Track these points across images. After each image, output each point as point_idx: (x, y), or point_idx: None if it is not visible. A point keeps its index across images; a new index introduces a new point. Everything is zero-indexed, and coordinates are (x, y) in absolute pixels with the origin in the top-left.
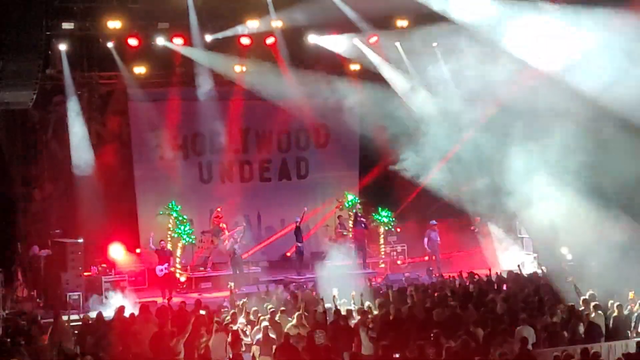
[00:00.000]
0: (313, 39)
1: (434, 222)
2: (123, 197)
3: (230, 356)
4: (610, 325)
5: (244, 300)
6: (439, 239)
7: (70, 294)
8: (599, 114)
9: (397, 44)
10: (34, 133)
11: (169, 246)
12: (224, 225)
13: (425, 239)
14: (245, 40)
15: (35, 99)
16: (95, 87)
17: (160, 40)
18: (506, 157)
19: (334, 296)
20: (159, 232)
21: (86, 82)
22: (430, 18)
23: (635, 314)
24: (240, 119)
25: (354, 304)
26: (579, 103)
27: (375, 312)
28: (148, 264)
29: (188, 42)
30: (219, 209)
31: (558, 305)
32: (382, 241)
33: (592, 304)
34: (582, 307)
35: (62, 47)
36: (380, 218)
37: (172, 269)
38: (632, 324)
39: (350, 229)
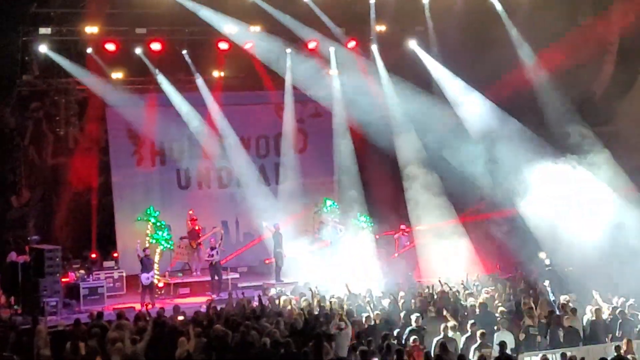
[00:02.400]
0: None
1: (403, 225)
2: (101, 203)
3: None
4: (588, 330)
5: (222, 306)
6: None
7: (48, 300)
8: None
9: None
10: (11, 139)
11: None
12: (199, 227)
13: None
14: (223, 45)
15: (12, 105)
16: (72, 92)
17: (137, 50)
18: None
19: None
20: (137, 238)
21: (63, 87)
22: None
23: (619, 320)
24: (218, 125)
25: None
26: None
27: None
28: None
29: (165, 47)
30: (191, 212)
31: (536, 311)
32: (361, 247)
33: (570, 308)
34: (561, 312)
35: (40, 52)
36: (359, 223)
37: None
38: (617, 330)
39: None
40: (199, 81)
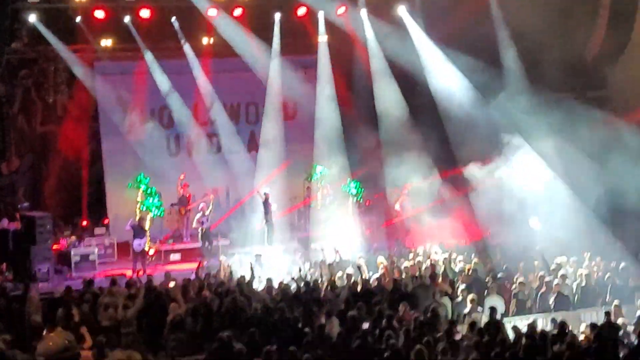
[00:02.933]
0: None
1: (407, 185)
2: (91, 170)
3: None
4: (579, 295)
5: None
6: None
7: (39, 266)
8: None
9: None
10: (0, 107)
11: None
12: (189, 194)
13: (398, 205)
14: (212, 12)
15: (1, 74)
16: (61, 60)
17: (126, 18)
18: None
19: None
20: (128, 205)
21: (53, 55)
22: None
23: (609, 285)
24: (208, 92)
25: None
26: None
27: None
28: (119, 237)
29: (155, 14)
30: (182, 177)
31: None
32: (350, 213)
33: (560, 273)
34: (551, 277)
35: (31, 18)
36: (349, 190)
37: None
38: (607, 295)
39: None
40: (187, 48)
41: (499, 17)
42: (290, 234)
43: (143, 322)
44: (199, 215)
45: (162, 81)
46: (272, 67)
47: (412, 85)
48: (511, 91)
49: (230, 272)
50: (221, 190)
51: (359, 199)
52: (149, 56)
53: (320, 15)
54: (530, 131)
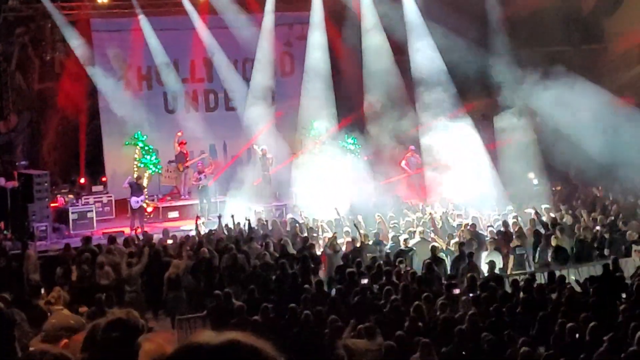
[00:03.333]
0: None
1: (412, 147)
2: (88, 128)
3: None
4: (577, 249)
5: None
6: (414, 166)
7: (38, 225)
8: None
9: None
10: None
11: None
12: (187, 151)
13: (404, 162)
14: None
15: None
16: (58, 17)
17: None
18: None
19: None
20: (125, 163)
21: (49, 12)
22: None
23: (607, 239)
24: (204, 48)
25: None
26: None
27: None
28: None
29: None
30: (179, 134)
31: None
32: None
33: (558, 227)
34: (549, 231)
35: None
36: (346, 145)
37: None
38: (606, 249)
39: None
40: (186, 2)
41: None
42: (288, 189)
43: (143, 279)
44: (196, 172)
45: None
46: (265, 22)
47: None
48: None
49: (230, 228)
50: (218, 147)
51: (356, 155)
52: (142, 16)
53: None
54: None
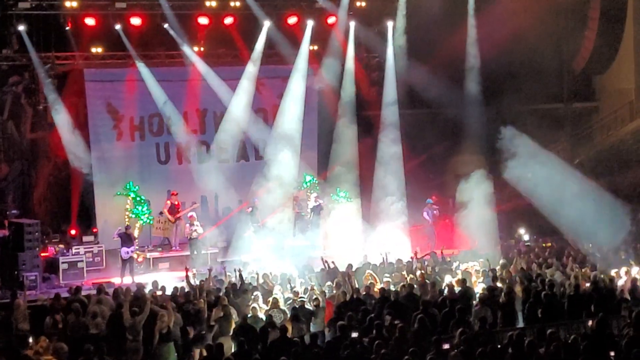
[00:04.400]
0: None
1: (430, 200)
2: (80, 178)
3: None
4: (568, 304)
5: (202, 280)
6: (432, 217)
7: (27, 274)
8: None
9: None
10: None
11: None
12: (178, 202)
13: (425, 214)
14: (203, 20)
15: None
16: (52, 67)
17: (117, 26)
18: None
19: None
20: (117, 213)
21: (43, 62)
22: None
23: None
24: (198, 100)
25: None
26: None
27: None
28: (107, 245)
29: (145, 21)
30: (174, 194)
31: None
32: (338, 221)
33: (548, 283)
34: (539, 287)
35: (19, 27)
36: (338, 198)
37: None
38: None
39: (309, 210)
40: (186, 48)
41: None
42: (278, 242)
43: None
44: (187, 224)
45: (155, 89)
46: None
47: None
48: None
49: (221, 280)
50: (210, 199)
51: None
52: (141, 64)
53: (309, 25)
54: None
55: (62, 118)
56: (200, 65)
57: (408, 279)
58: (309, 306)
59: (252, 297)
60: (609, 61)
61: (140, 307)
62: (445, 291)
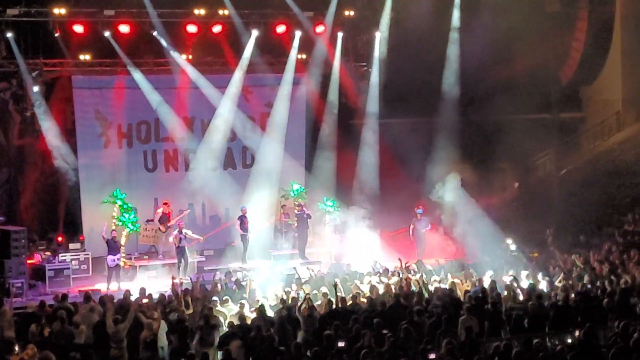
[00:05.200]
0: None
1: (420, 210)
2: (67, 185)
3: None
4: (554, 314)
5: (188, 288)
6: (424, 229)
7: (14, 281)
8: None
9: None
10: None
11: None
12: (169, 211)
13: (411, 228)
14: (191, 28)
15: None
16: (40, 74)
17: (106, 33)
18: None
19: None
20: (103, 220)
21: (31, 68)
22: None
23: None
24: (186, 108)
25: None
26: None
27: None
28: (94, 252)
29: (134, 29)
30: (166, 203)
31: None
32: (326, 230)
33: (535, 294)
34: (525, 298)
35: (7, 34)
36: (325, 207)
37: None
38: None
39: (295, 219)
40: (175, 55)
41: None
42: (266, 250)
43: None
44: (175, 231)
45: (149, 94)
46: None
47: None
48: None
49: (207, 289)
50: (197, 207)
51: (335, 217)
52: (133, 70)
53: (297, 35)
54: None
55: (49, 124)
56: (189, 73)
57: (395, 288)
58: (295, 314)
59: (239, 305)
60: (596, 72)
61: (124, 315)
62: (435, 299)
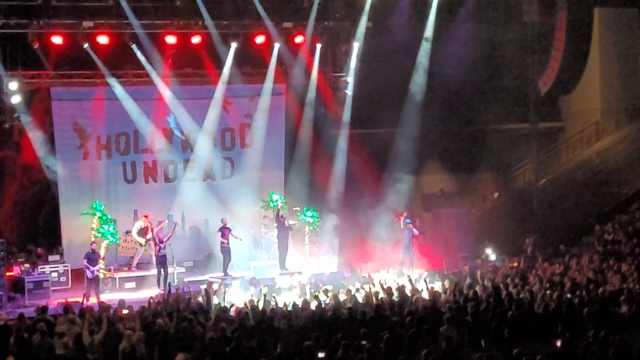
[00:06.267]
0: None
1: (408, 220)
2: (46, 197)
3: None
4: (535, 323)
5: (168, 299)
6: (411, 235)
7: None
8: None
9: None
10: None
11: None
12: (147, 224)
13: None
14: (170, 39)
15: None
16: (19, 85)
17: (85, 44)
18: None
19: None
20: (83, 232)
21: (10, 80)
22: None
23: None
24: (165, 119)
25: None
26: None
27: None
28: (73, 264)
29: (113, 40)
30: (146, 216)
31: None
32: (306, 241)
33: (515, 303)
34: (505, 307)
35: None
36: (305, 218)
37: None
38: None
39: (276, 229)
40: (150, 69)
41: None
42: (246, 261)
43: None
44: (154, 241)
45: (128, 106)
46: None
47: None
48: None
49: (187, 300)
50: (177, 218)
51: (315, 228)
52: (112, 81)
53: (276, 46)
54: None
55: (34, 135)
56: (168, 84)
57: (375, 298)
58: (275, 325)
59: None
60: (574, 81)
61: (99, 326)
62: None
